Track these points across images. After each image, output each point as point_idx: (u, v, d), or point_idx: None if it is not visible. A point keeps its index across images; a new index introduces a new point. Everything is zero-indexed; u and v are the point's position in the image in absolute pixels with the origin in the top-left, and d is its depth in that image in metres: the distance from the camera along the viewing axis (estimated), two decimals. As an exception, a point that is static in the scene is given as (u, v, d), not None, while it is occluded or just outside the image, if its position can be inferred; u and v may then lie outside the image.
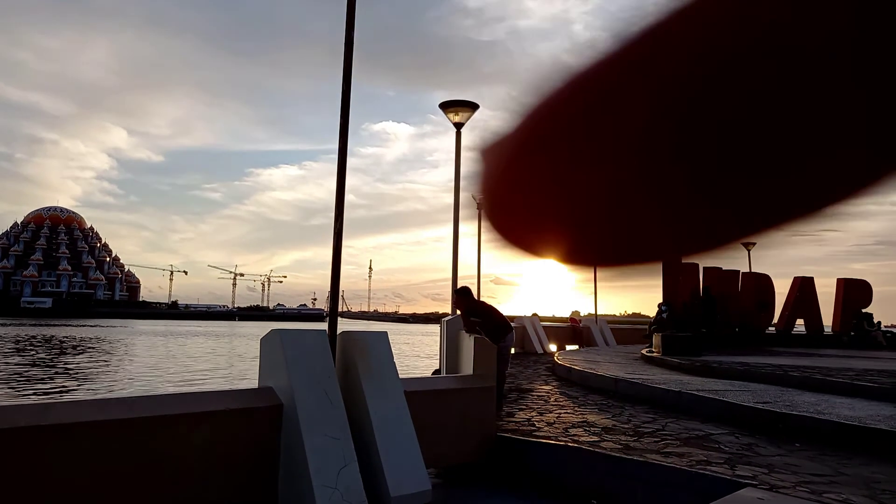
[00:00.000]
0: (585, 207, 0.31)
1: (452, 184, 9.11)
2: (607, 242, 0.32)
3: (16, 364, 19.63)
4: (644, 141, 0.28)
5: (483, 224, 0.35)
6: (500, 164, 0.33)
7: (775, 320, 17.44)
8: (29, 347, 26.70)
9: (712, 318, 14.47)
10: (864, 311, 17.69)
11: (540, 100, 0.30)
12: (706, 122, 0.27)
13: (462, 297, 6.39)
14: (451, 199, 9.23)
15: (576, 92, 0.29)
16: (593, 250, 0.33)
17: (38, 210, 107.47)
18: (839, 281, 18.31)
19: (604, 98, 0.29)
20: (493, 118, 0.33)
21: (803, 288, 17.57)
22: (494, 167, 0.34)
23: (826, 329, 18.15)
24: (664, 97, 0.27)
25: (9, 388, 14.33)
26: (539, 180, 0.32)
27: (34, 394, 13.53)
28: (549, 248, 0.34)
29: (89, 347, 27.95)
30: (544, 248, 0.34)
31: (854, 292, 17.98)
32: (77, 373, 17.74)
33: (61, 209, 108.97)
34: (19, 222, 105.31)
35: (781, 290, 17.68)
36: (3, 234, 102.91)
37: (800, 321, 17.94)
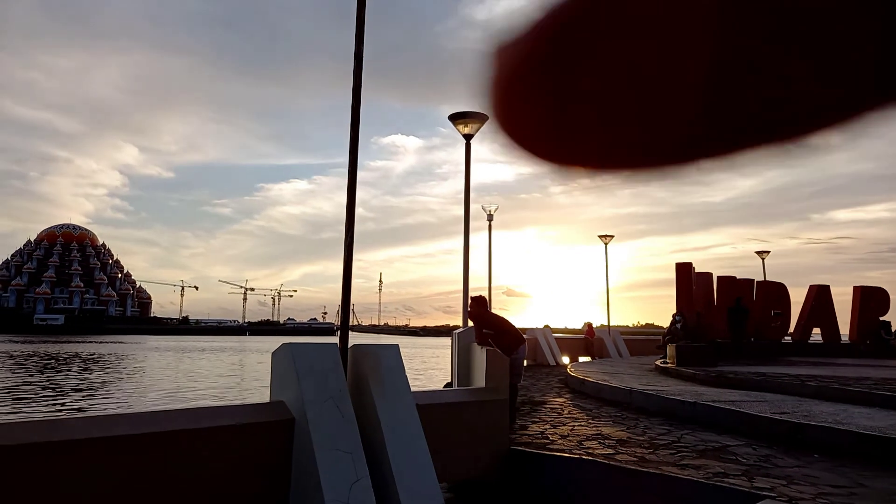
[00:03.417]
0: (623, 98, 0.29)
1: (462, 196, 9.13)
2: (643, 136, 0.30)
3: (26, 380, 19.76)
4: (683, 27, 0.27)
5: (493, 131, 0.33)
6: (523, 60, 0.31)
7: (791, 329, 17.24)
8: (41, 363, 26.87)
9: (741, 329, 14.37)
10: (881, 319, 17.44)
11: None
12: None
13: (477, 305, 6.36)
14: (460, 212, 9.25)
15: None
16: (628, 145, 0.31)
17: (50, 227, 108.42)
18: (856, 289, 18.05)
19: None
20: (510, 15, 0.31)
21: (819, 296, 17.36)
22: (513, 65, 0.31)
23: (843, 338, 17.90)
24: None
25: (20, 403, 14.41)
26: (572, 71, 0.30)
27: (48, 410, 13.60)
28: (577, 147, 0.32)
29: (101, 363, 28.10)
30: (572, 148, 0.32)
31: (871, 300, 17.71)
32: (89, 389, 17.83)
33: (74, 226, 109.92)
34: (32, 240, 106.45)
35: (797, 298, 17.48)
36: (16, 251, 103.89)
37: (816, 330, 17.71)
